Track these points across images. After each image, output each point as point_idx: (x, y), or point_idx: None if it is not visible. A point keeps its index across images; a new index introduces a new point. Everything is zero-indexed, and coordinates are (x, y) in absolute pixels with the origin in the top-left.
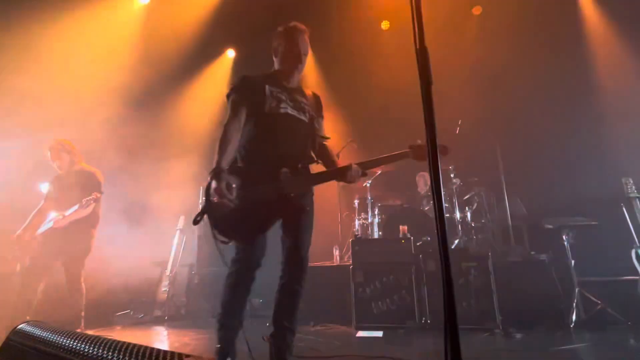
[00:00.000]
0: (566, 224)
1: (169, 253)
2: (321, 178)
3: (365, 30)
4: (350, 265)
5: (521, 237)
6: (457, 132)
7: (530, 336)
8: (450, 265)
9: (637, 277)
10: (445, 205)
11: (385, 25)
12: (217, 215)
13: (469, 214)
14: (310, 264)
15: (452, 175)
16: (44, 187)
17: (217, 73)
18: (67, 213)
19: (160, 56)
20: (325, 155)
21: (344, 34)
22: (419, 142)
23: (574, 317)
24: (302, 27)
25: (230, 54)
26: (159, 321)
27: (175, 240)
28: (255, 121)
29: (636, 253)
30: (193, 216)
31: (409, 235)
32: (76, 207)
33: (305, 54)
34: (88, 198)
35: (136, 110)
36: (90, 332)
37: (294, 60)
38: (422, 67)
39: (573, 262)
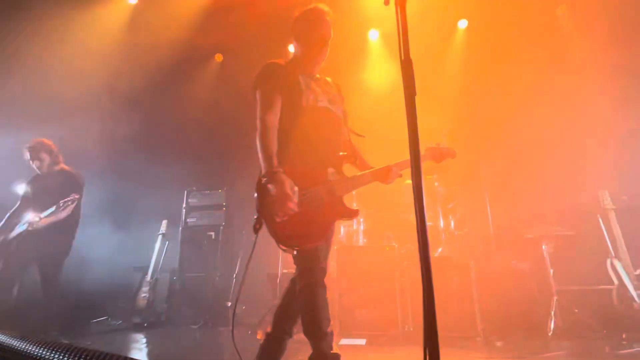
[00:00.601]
0: (546, 233)
1: (151, 258)
2: (366, 179)
3: (355, 37)
4: (334, 272)
5: (503, 245)
6: (441, 144)
7: (510, 344)
8: (432, 275)
9: (612, 287)
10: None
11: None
12: (273, 222)
13: (452, 222)
14: (292, 271)
15: (436, 184)
16: (21, 188)
17: (205, 77)
18: (44, 215)
19: (149, 57)
20: (356, 154)
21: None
22: (436, 143)
23: (552, 326)
24: (325, 8)
25: (218, 59)
26: (137, 328)
27: (157, 245)
28: (292, 117)
29: (611, 263)
30: (176, 220)
31: (394, 243)
32: (53, 209)
33: (330, 38)
34: (66, 200)
35: (122, 112)
36: (64, 340)
37: (322, 45)
38: (406, 79)
39: (552, 271)
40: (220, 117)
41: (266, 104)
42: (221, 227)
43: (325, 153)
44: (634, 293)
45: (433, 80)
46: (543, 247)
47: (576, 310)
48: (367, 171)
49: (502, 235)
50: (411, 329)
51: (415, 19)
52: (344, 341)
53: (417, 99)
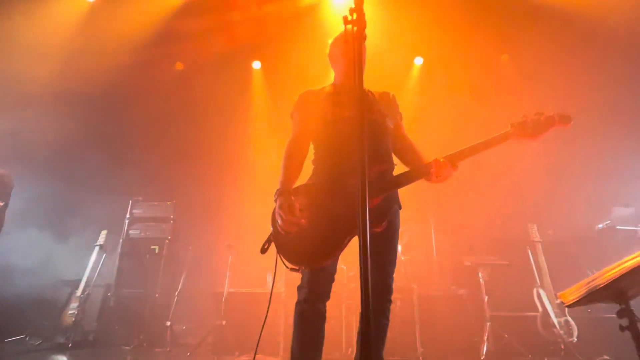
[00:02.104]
0: (482, 262)
1: (84, 271)
2: (398, 182)
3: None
4: (281, 292)
5: (444, 271)
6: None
7: None
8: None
9: (537, 314)
10: None
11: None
12: (282, 241)
13: (399, 248)
14: (240, 291)
15: None
16: None
17: (163, 85)
18: None
19: (101, 59)
20: (408, 157)
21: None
22: (523, 118)
23: (484, 350)
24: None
25: (179, 67)
26: (61, 349)
27: (93, 257)
28: (319, 133)
29: (537, 292)
30: (117, 231)
31: (342, 265)
32: None
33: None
34: None
35: (69, 113)
36: None
37: (344, 61)
38: (360, 113)
39: (486, 297)
40: (176, 128)
41: (292, 130)
42: (166, 241)
43: (348, 163)
44: (555, 320)
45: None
46: (479, 274)
47: (506, 335)
48: (397, 175)
49: (443, 261)
50: (354, 351)
51: (375, 55)
52: None
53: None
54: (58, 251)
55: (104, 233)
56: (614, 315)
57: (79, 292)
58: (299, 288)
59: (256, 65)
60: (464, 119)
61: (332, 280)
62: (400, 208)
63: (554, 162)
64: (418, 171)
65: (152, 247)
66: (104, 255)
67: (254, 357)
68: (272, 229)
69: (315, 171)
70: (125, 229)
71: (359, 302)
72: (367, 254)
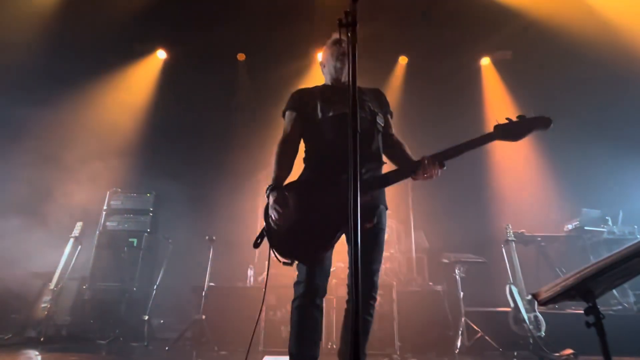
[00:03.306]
0: (459, 259)
1: (57, 263)
2: (386, 180)
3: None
4: (263, 287)
5: (422, 268)
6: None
7: None
8: (360, 297)
9: (509, 309)
10: None
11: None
12: (275, 235)
13: None
14: (221, 285)
15: None
16: None
17: (144, 73)
18: None
19: (85, 44)
20: (397, 155)
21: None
22: (506, 120)
23: (459, 344)
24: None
25: (161, 55)
26: (31, 344)
27: (67, 249)
28: (310, 130)
29: (509, 288)
30: (93, 223)
31: None
32: None
33: (343, 53)
34: None
35: (45, 104)
36: None
37: (342, 57)
38: (353, 114)
39: (462, 293)
40: (156, 119)
41: (284, 128)
42: (145, 234)
43: (342, 159)
44: (525, 316)
45: None
46: (456, 271)
47: (479, 330)
48: (386, 172)
49: (422, 258)
50: (334, 347)
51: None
52: (268, 358)
53: None
54: (30, 242)
55: (79, 225)
56: (578, 311)
57: (51, 285)
58: (296, 284)
59: (240, 57)
60: (439, 122)
61: (329, 275)
62: (386, 209)
63: (529, 167)
64: (407, 169)
65: (130, 239)
66: (79, 247)
67: (248, 352)
68: (264, 223)
69: (307, 168)
70: (102, 220)
71: (339, 297)
72: (357, 250)
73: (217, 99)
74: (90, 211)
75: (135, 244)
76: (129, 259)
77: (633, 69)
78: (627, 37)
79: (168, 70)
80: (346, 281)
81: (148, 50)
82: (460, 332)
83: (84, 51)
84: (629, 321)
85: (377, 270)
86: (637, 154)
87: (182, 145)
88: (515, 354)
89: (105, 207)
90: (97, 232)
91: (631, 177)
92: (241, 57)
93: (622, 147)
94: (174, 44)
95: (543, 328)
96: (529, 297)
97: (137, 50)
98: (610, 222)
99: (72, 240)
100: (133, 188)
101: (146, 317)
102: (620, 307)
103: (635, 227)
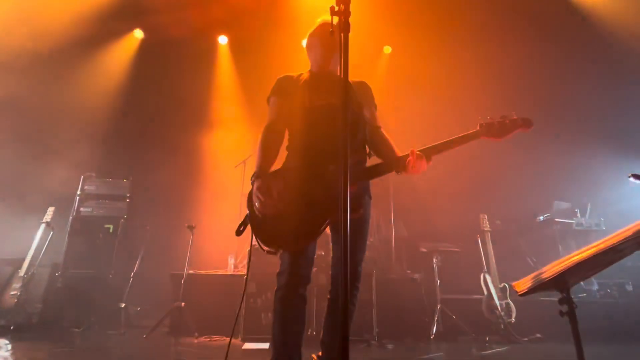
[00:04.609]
0: (436, 248)
1: (28, 250)
2: (374, 172)
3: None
4: (244, 275)
5: (401, 257)
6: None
7: (399, 346)
8: (347, 285)
9: (482, 297)
10: None
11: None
12: (259, 223)
13: None
14: (200, 272)
15: None
16: None
17: (120, 53)
18: None
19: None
20: (382, 147)
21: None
22: (490, 118)
23: (434, 330)
24: (323, 19)
25: (139, 34)
26: (1, 332)
27: (39, 235)
28: (296, 118)
29: (483, 277)
30: (67, 208)
31: None
32: None
33: (328, 42)
34: None
35: (16, 85)
36: None
37: (331, 45)
38: (344, 103)
39: (438, 281)
40: (134, 103)
41: (268, 115)
42: (122, 220)
43: (328, 149)
44: (497, 303)
45: None
46: (434, 260)
47: (454, 317)
48: (373, 165)
49: (401, 247)
50: (314, 333)
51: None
52: (248, 345)
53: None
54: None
55: (51, 210)
56: (546, 299)
57: (22, 272)
58: (279, 274)
59: (222, 40)
60: (422, 111)
61: (312, 263)
62: (370, 199)
63: (505, 160)
64: (392, 163)
65: (106, 225)
66: (51, 233)
67: (230, 340)
68: (248, 211)
69: (291, 157)
70: (76, 206)
71: (319, 285)
72: (346, 239)
73: (196, 82)
74: (63, 196)
75: (111, 231)
76: (105, 245)
77: (609, 64)
78: (606, 30)
79: (146, 50)
80: (326, 269)
81: (125, 29)
82: (436, 318)
83: (57, 29)
84: (593, 308)
85: (361, 260)
86: (606, 148)
87: (161, 129)
88: (487, 338)
89: (79, 192)
90: (71, 217)
91: (600, 170)
92: (222, 40)
93: (592, 143)
94: (153, 22)
95: (513, 314)
96: (502, 285)
97: (113, 29)
98: (579, 214)
99: (43, 225)
100: (108, 173)
101: (123, 305)
102: (584, 294)
103: (602, 219)
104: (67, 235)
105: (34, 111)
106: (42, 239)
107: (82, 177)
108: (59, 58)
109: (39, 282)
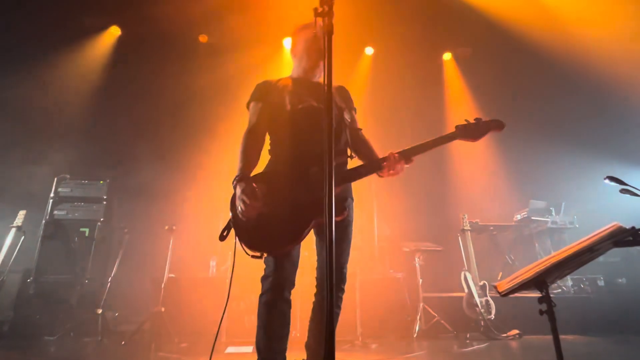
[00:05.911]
0: (418, 248)
1: None
2: (355, 174)
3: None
4: (227, 279)
5: (384, 256)
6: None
7: (383, 346)
8: (334, 288)
9: (463, 295)
10: None
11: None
12: (243, 227)
13: None
14: (181, 276)
15: None
16: None
17: (96, 51)
18: None
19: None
20: (363, 150)
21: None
22: (465, 122)
23: (417, 328)
24: (310, 22)
25: (115, 31)
26: None
27: (9, 240)
28: (277, 122)
29: (464, 275)
30: (39, 212)
31: None
32: None
33: (316, 47)
34: None
35: None
36: None
37: (316, 54)
38: (328, 106)
39: (421, 280)
40: (110, 102)
41: (249, 119)
42: (98, 224)
43: (310, 152)
44: (477, 300)
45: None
46: (416, 259)
47: (435, 315)
48: (355, 167)
49: (384, 247)
50: (298, 335)
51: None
52: (230, 349)
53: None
54: None
55: (22, 213)
56: (524, 295)
57: None
58: (264, 278)
59: (202, 39)
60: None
61: (297, 267)
62: (353, 201)
63: (484, 161)
64: (373, 165)
65: (82, 229)
66: (22, 237)
67: (214, 344)
68: (231, 215)
69: (272, 160)
70: (49, 209)
71: (303, 287)
72: (332, 242)
73: (175, 83)
74: (35, 199)
75: (87, 234)
76: (80, 249)
77: (579, 69)
78: (577, 37)
79: (123, 49)
80: (310, 271)
81: (101, 26)
82: (418, 317)
83: (31, 26)
84: (567, 302)
85: (346, 262)
86: (578, 149)
87: (139, 129)
88: (468, 335)
89: (52, 195)
90: (43, 221)
91: (573, 171)
92: (203, 38)
93: (566, 143)
94: (130, 19)
95: (493, 311)
96: (482, 282)
97: (88, 26)
98: (553, 213)
99: (13, 230)
100: (84, 174)
101: (100, 311)
102: (559, 290)
103: (575, 217)
104: (39, 240)
105: (1, 109)
106: (13, 244)
107: (55, 178)
108: (30, 54)
109: (10, 289)
